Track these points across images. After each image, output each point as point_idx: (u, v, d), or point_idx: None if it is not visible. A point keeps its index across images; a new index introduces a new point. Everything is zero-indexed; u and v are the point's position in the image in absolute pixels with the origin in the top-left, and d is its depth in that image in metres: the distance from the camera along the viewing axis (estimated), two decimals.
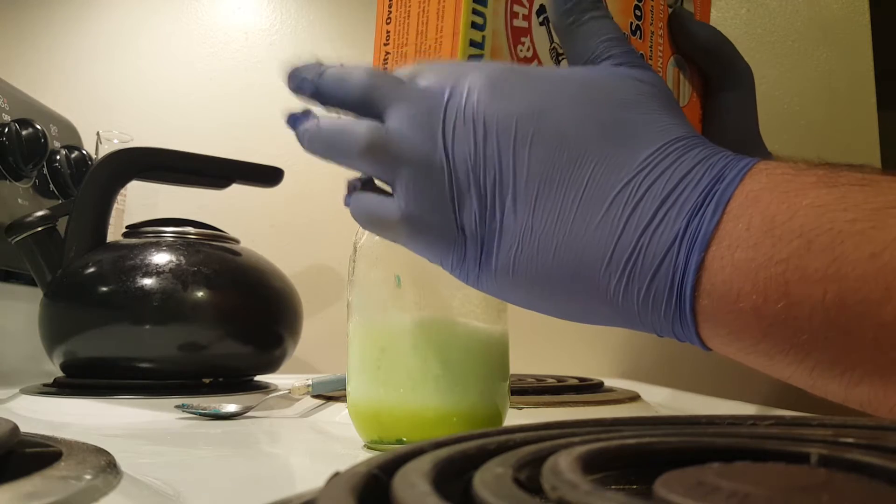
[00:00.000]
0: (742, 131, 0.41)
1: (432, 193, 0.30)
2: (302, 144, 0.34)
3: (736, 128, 0.40)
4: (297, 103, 0.34)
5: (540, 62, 0.35)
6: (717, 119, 0.41)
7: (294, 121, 0.34)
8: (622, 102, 0.28)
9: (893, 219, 0.22)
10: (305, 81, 0.33)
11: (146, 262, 0.59)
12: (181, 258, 0.60)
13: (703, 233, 0.25)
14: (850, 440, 0.15)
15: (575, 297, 0.28)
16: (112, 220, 0.66)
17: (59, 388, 0.60)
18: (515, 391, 0.55)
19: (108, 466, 0.26)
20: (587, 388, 0.62)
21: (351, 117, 0.32)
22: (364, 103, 0.32)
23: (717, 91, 0.41)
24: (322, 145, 0.33)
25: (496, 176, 0.29)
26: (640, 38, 0.37)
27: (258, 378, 0.68)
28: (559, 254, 0.27)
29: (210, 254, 0.63)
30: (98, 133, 0.91)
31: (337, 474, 0.13)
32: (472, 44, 0.32)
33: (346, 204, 0.34)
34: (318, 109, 0.34)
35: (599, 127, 0.28)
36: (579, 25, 0.31)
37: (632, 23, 0.37)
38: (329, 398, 0.56)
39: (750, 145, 0.41)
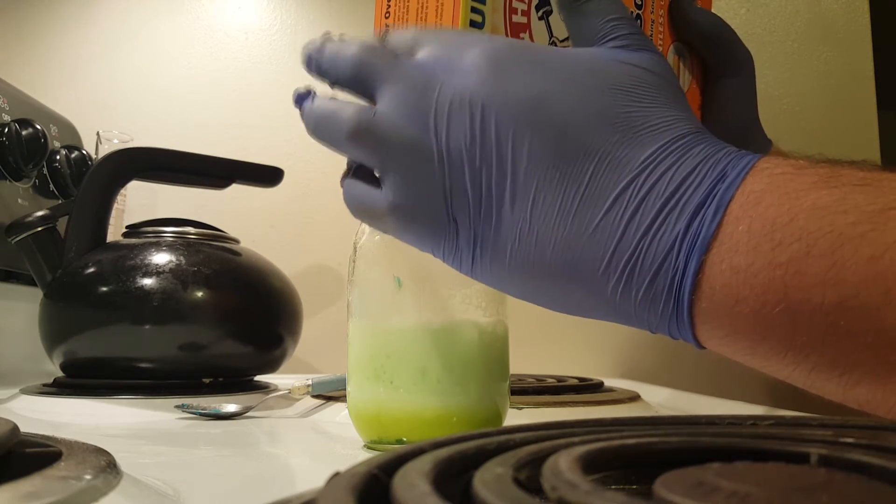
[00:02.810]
0: (742, 118, 0.40)
1: (422, 182, 0.28)
2: (305, 126, 0.33)
3: (736, 114, 0.40)
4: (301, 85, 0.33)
5: None
6: (717, 106, 0.40)
7: (298, 100, 0.33)
8: (626, 93, 0.28)
9: (893, 221, 0.22)
10: (310, 58, 0.32)
11: (146, 262, 0.59)
12: (181, 258, 0.60)
13: (703, 236, 0.24)
14: (850, 440, 0.15)
15: (571, 292, 0.28)
16: (112, 221, 0.66)
17: (59, 388, 0.60)
18: (515, 391, 0.55)
19: (107, 466, 0.25)
20: (587, 388, 0.62)
21: (350, 97, 0.31)
22: (356, 81, 0.31)
23: (717, 78, 0.40)
24: (313, 128, 0.32)
25: (493, 165, 0.27)
26: (641, 26, 0.37)
27: (258, 378, 0.68)
28: (557, 251, 0.27)
29: (210, 254, 0.63)
30: (98, 133, 0.91)
31: (337, 474, 0.13)
32: None
33: (342, 186, 0.33)
34: (323, 89, 0.33)
35: (603, 120, 0.27)
36: (584, 3, 0.30)
37: (632, 12, 0.37)
38: (329, 398, 0.56)
39: (750, 132, 0.41)
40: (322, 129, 0.31)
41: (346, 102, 0.31)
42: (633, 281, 0.26)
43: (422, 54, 0.29)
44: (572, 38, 0.32)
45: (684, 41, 0.40)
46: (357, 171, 0.32)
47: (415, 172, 0.29)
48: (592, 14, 0.30)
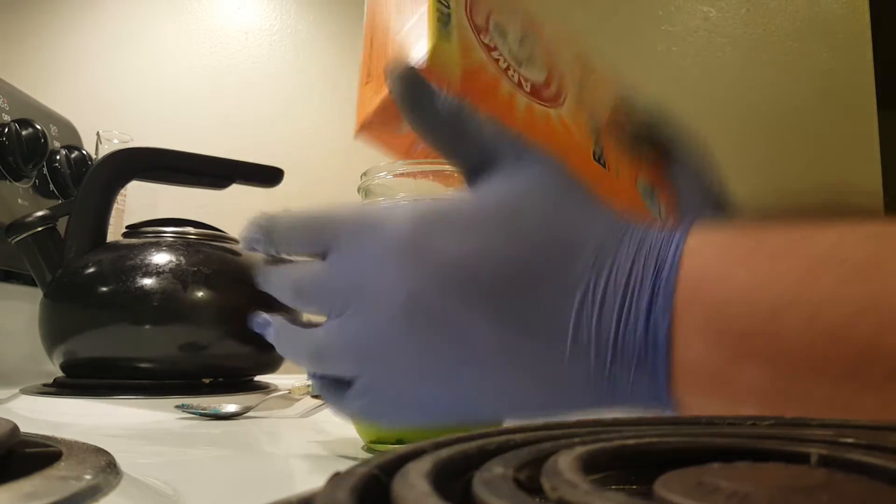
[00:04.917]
0: (702, 194, 0.44)
1: (389, 387, 0.30)
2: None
3: (695, 193, 0.44)
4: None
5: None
6: (676, 187, 0.44)
7: (258, 328, 0.36)
8: (543, 221, 0.28)
9: (818, 282, 0.23)
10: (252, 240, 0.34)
11: (146, 262, 0.59)
12: (181, 258, 0.60)
13: (662, 336, 0.25)
14: (850, 440, 0.15)
15: (568, 412, 0.28)
16: (112, 221, 0.66)
17: (59, 388, 0.60)
18: None
19: (107, 466, 0.25)
20: None
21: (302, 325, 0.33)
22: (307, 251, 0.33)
23: (668, 162, 0.44)
24: (280, 350, 0.34)
25: (456, 344, 0.28)
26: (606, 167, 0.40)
27: (258, 378, 0.68)
28: (543, 393, 0.28)
29: (210, 254, 0.63)
30: (98, 133, 0.91)
31: (337, 474, 0.13)
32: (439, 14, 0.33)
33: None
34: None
35: (524, 263, 0.27)
36: (466, 130, 0.31)
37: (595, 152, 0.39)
38: None
39: (710, 198, 0.44)
40: (285, 350, 0.34)
41: (303, 327, 0.33)
42: (618, 394, 0.27)
43: (346, 242, 0.30)
44: (462, 160, 0.32)
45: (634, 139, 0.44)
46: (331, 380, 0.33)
47: (381, 381, 0.30)
48: (475, 135, 0.30)
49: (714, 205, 0.43)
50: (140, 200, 0.95)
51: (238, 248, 0.68)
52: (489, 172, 0.30)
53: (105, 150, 0.88)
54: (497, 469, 0.14)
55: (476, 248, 0.28)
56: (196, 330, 0.59)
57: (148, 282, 0.58)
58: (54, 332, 0.60)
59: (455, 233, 0.28)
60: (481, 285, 0.28)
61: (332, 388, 0.32)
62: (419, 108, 0.31)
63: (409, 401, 0.30)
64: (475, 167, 0.31)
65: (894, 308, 0.22)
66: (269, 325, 0.34)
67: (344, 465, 0.14)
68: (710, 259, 0.25)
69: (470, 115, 0.31)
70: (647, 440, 0.16)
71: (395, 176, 0.42)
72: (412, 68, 0.31)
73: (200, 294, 0.59)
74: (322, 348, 0.31)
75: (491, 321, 0.27)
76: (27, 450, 0.26)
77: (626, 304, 0.26)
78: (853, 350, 0.22)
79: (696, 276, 0.25)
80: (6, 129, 0.72)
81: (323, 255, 0.31)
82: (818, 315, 0.23)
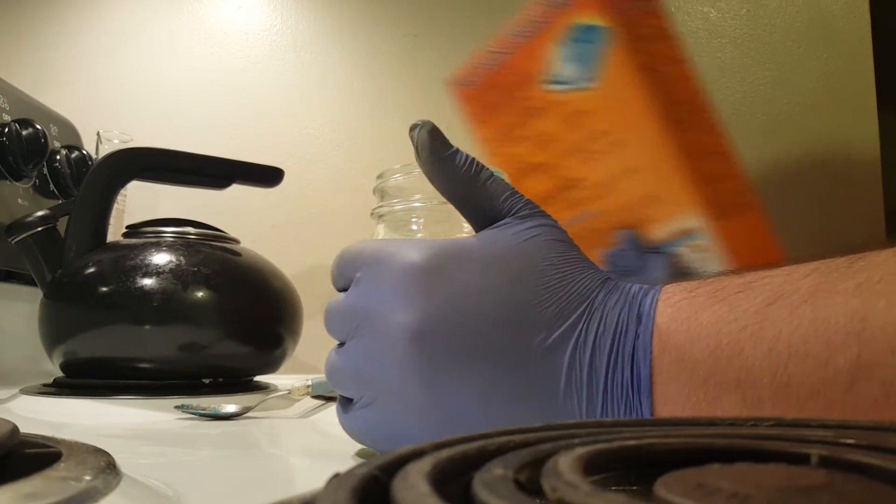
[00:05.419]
0: None
1: (394, 414, 0.31)
2: None
3: None
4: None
5: None
6: None
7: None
8: (542, 270, 0.30)
9: (772, 315, 0.26)
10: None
11: (146, 262, 0.59)
12: (181, 258, 0.60)
13: (644, 378, 0.28)
14: (850, 441, 0.15)
15: None
16: (112, 221, 0.66)
17: (59, 388, 0.60)
18: None
19: (107, 467, 0.25)
20: None
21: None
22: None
23: None
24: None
25: (453, 378, 0.29)
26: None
27: (258, 378, 0.68)
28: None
29: (210, 254, 0.63)
30: (98, 133, 0.91)
31: (337, 475, 0.13)
32: None
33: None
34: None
35: (528, 312, 0.29)
36: (481, 187, 0.33)
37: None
38: (329, 398, 0.56)
39: None
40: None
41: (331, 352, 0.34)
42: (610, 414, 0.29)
43: (359, 287, 0.32)
44: (472, 219, 0.34)
45: None
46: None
47: (378, 404, 0.31)
48: (490, 197, 0.33)
49: None
50: (140, 200, 0.95)
51: (238, 247, 0.68)
52: (497, 224, 0.32)
53: (105, 149, 0.88)
54: (497, 470, 0.14)
55: (480, 287, 0.30)
56: (196, 330, 0.59)
57: (148, 282, 0.58)
58: (54, 332, 0.60)
59: (462, 271, 0.30)
60: (482, 323, 0.29)
61: (342, 405, 0.34)
62: (440, 161, 0.33)
63: (402, 428, 0.30)
64: (485, 220, 0.33)
65: (841, 326, 0.24)
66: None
67: (344, 466, 0.14)
68: (679, 305, 0.28)
69: (486, 176, 0.33)
70: (648, 441, 0.16)
71: (410, 178, 0.42)
72: (434, 125, 0.33)
73: (200, 294, 0.59)
74: (331, 368, 0.33)
75: (489, 359, 0.29)
76: (27, 450, 0.26)
77: (615, 350, 0.29)
78: (809, 366, 0.24)
79: (668, 322, 0.28)
80: (6, 129, 0.72)
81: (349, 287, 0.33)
82: (777, 341, 0.25)
